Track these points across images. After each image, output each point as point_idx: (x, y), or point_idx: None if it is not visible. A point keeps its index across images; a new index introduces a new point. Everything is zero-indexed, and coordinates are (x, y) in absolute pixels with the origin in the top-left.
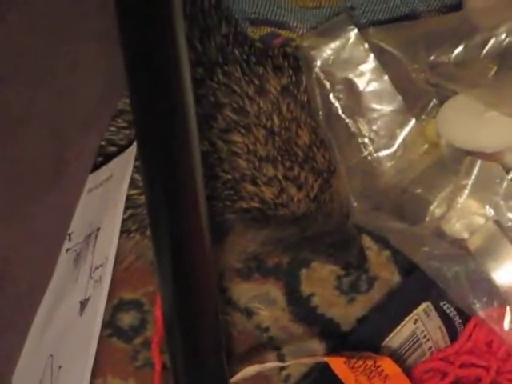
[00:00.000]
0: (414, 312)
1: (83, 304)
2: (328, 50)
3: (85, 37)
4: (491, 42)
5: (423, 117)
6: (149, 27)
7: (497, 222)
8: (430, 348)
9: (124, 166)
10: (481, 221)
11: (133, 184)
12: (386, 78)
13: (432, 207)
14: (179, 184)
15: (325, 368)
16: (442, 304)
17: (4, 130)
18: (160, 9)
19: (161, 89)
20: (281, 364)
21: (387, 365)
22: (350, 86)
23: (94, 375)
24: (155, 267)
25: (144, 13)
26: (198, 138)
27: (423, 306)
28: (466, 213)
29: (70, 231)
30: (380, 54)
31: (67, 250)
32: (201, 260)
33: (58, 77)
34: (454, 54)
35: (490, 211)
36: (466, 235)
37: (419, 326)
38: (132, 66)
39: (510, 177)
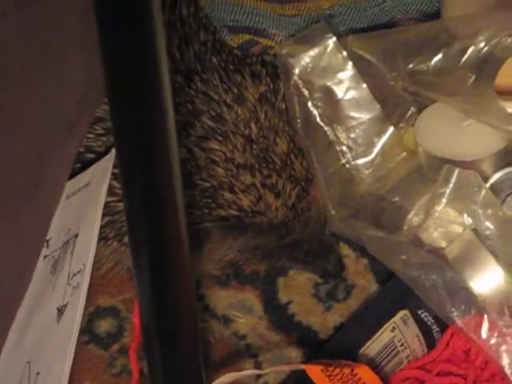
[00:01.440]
0: (392, 320)
1: (60, 310)
2: (306, 58)
3: (66, 43)
4: (470, 50)
5: (401, 125)
6: (128, 34)
7: (474, 231)
8: (408, 356)
9: (102, 172)
10: (459, 229)
11: (110, 191)
12: (365, 86)
13: (410, 215)
14: (158, 191)
15: (302, 376)
16: (419, 312)
17: None
18: (139, 17)
19: (139, 96)
20: (258, 372)
21: (364, 373)
22: (329, 93)
23: (71, 382)
24: (133, 274)
25: (123, 20)
26: (176, 145)
27: (401, 314)
28: (443, 221)
29: (47, 237)
30: (358, 62)
31: (45, 256)
32: (179, 267)
33: (39, 82)
34: (432, 63)
35: (467, 220)
36: (443, 244)
37: (397, 334)
38: (111, 72)
39: (487, 185)
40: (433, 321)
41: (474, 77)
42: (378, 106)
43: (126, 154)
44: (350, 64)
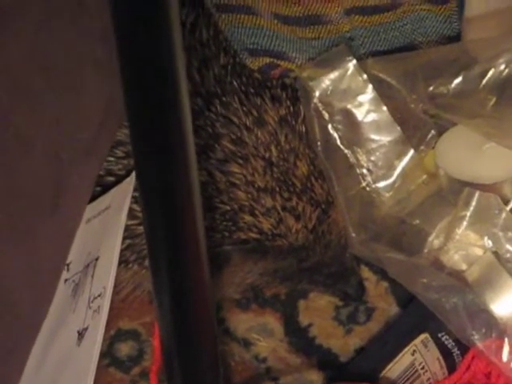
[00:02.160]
0: (412, 343)
1: (81, 334)
2: (326, 81)
3: (87, 64)
4: (490, 72)
5: (422, 148)
6: (148, 57)
7: (495, 254)
8: (429, 379)
9: (122, 196)
10: (479, 252)
11: (131, 214)
12: (385, 108)
13: (430, 238)
14: (178, 214)
15: None
16: (440, 335)
17: (5, 155)
18: (159, 40)
19: (160, 120)
20: None
21: None
22: (349, 116)
23: None
24: (153, 297)
25: (143, 43)
26: (196, 168)
27: (421, 337)
28: (464, 244)
29: (68, 261)
30: (378, 85)
31: (65, 280)
32: (199, 290)
33: (60, 104)
34: (452, 85)
35: (488, 242)
36: (464, 266)
37: (417, 358)
38: (131, 96)
39: (508, 208)
40: (453, 344)
41: (494, 99)
42: (399, 128)
43: (146, 178)
44: (370, 87)
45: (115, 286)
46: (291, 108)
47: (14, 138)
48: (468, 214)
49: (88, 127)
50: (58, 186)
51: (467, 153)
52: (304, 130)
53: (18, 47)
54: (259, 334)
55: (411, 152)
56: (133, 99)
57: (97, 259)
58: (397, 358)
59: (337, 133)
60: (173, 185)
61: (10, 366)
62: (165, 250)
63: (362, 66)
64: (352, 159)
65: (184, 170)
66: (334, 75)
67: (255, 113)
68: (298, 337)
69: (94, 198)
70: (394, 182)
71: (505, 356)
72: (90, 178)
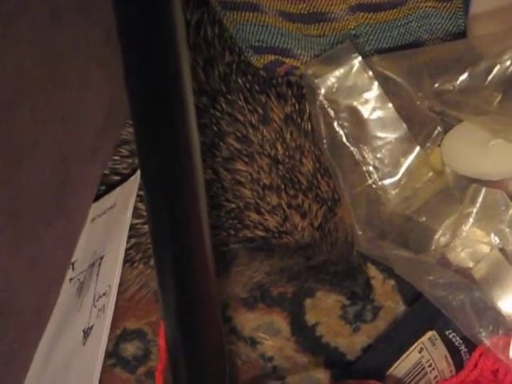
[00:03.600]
0: (420, 341)
1: (86, 333)
2: (332, 78)
3: (91, 63)
4: (496, 69)
5: (428, 145)
6: (152, 55)
7: (502, 250)
8: (436, 377)
9: (127, 194)
10: (486, 249)
11: (136, 213)
12: (391, 105)
13: (437, 236)
14: (183, 213)
15: None
16: (447, 333)
17: (10, 157)
18: (164, 39)
19: (164, 118)
20: None
21: None
22: (355, 113)
23: None
24: (159, 296)
25: (147, 42)
26: (201, 166)
27: (428, 334)
28: (471, 241)
29: (73, 260)
30: (384, 82)
31: (70, 279)
32: (205, 289)
33: (63, 105)
34: (458, 82)
35: (495, 239)
36: (471, 264)
37: (424, 355)
38: (134, 94)
39: None
40: (461, 341)
41: (500, 96)
42: (405, 125)
43: (151, 176)
44: (375, 84)
45: (121, 286)
46: (296, 105)
47: (18, 137)
48: (474, 210)
49: (92, 126)
50: (62, 186)
51: (473, 149)
52: (309, 127)
53: (21, 47)
54: (266, 333)
55: (417, 149)
56: (137, 98)
57: (102, 258)
58: (404, 356)
59: (343, 130)
60: (178, 183)
61: (15, 366)
62: (170, 248)
63: (367, 63)
64: (358, 156)
65: (189, 168)
66: (339, 72)
67: (260, 110)
68: (305, 336)
69: (98, 197)
70: (400, 179)
71: None
72: (94, 177)
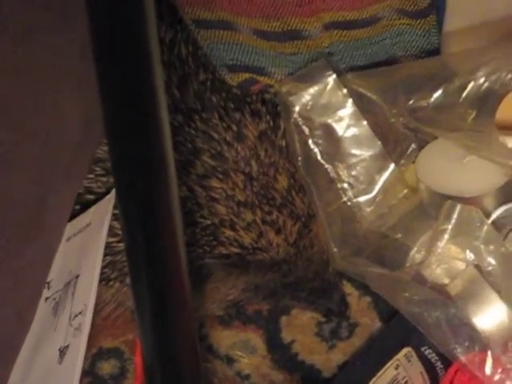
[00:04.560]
0: (395, 357)
1: (62, 352)
2: (306, 96)
3: (66, 81)
4: (470, 86)
5: (402, 161)
6: (127, 74)
7: (477, 267)
8: None
9: (102, 213)
10: (461, 265)
11: (111, 232)
12: (365, 123)
13: (412, 252)
14: (158, 230)
15: None
16: (423, 349)
17: None
18: (137, 56)
19: (139, 136)
20: None
21: None
22: (329, 131)
23: None
24: (135, 314)
25: (122, 60)
26: (176, 184)
27: (404, 351)
28: (446, 258)
29: (48, 279)
30: (359, 99)
31: (46, 298)
32: (181, 307)
33: (38, 123)
34: (432, 99)
35: (470, 256)
36: (446, 280)
37: (400, 372)
38: (110, 112)
39: (489, 221)
40: (436, 358)
41: (474, 112)
42: (379, 142)
43: (126, 194)
44: (350, 101)
45: (97, 304)
46: (271, 123)
47: None
48: (449, 227)
49: (68, 144)
50: (38, 206)
51: (448, 166)
52: (284, 144)
53: None
54: (242, 351)
55: (392, 166)
56: (112, 116)
57: (77, 277)
58: (380, 373)
59: (317, 147)
60: (153, 201)
61: None
62: (145, 266)
63: (341, 81)
64: (333, 174)
65: (164, 186)
66: (313, 90)
67: (235, 128)
68: (281, 353)
69: (73, 217)
70: (375, 196)
71: (488, 369)
72: (70, 197)
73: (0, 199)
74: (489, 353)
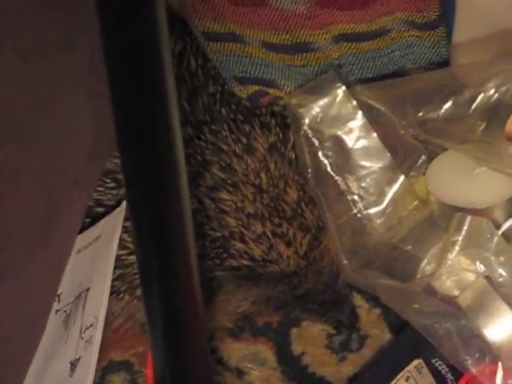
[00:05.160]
0: (406, 369)
1: (73, 365)
2: (316, 108)
3: (76, 94)
4: (479, 97)
5: (412, 173)
6: (139, 86)
7: (488, 278)
8: None
9: (113, 226)
10: (471, 277)
11: (121, 244)
12: (375, 135)
13: (422, 264)
14: (170, 243)
15: None
16: (433, 361)
17: None
18: (151, 70)
19: (152, 148)
20: None
21: None
22: (339, 143)
23: None
24: (147, 327)
25: (134, 71)
26: (188, 196)
27: (415, 363)
28: (456, 269)
29: (59, 292)
30: (368, 111)
31: (56, 311)
32: (193, 319)
33: (48, 135)
34: (442, 110)
35: (480, 267)
36: (456, 292)
37: None
38: (123, 126)
39: (500, 232)
40: (447, 369)
41: (484, 124)
42: (389, 154)
43: (138, 206)
44: (359, 113)
45: (107, 317)
46: (280, 135)
47: (3, 167)
48: (460, 238)
49: (78, 156)
50: (48, 218)
51: (458, 178)
52: (293, 156)
53: (7, 77)
54: (252, 363)
55: (402, 178)
56: (124, 129)
57: (88, 289)
58: None
59: (327, 159)
60: (165, 213)
61: None
62: (157, 278)
63: (351, 93)
64: (342, 186)
65: (176, 198)
66: (323, 102)
67: (244, 140)
68: (291, 365)
69: (83, 229)
70: (385, 208)
71: (499, 381)
72: (80, 209)
73: (8, 213)
74: (499, 364)
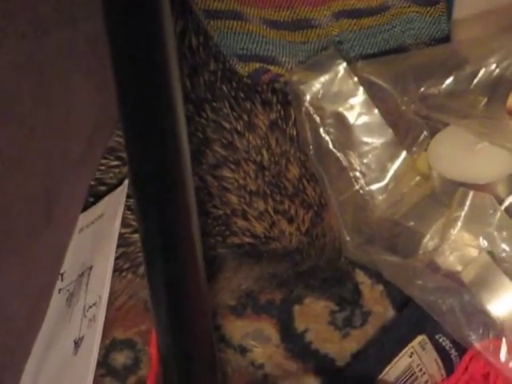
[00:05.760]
0: (410, 345)
1: (77, 343)
2: (317, 84)
3: (76, 73)
4: (481, 72)
5: (414, 149)
6: (142, 65)
7: (490, 254)
8: (427, 381)
9: (115, 204)
10: (474, 252)
11: (124, 222)
12: (376, 111)
13: (425, 240)
14: (173, 221)
15: None
16: (437, 337)
17: None
18: (153, 47)
19: (155, 125)
20: None
21: None
22: (340, 119)
23: None
24: (150, 304)
25: (137, 52)
26: (191, 173)
27: (418, 339)
28: (459, 245)
29: (62, 271)
30: (369, 88)
31: (60, 290)
32: (196, 297)
33: (47, 117)
34: (443, 86)
35: (483, 242)
36: (459, 267)
37: (415, 360)
38: (126, 104)
39: (502, 207)
40: (451, 345)
41: (485, 99)
42: (390, 130)
43: (141, 185)
44: (361, 89)
45: (110, 295)
46: (282, 112)
47: (4, 148)
48: (462, 214)
49: (80, 136)
50: (50, 198)
51: (460, 153)
52: (295, 133)
53: (4, 57)
54: (255, 341)
55: (404, 154)
56: (127, 107)
57: (91, 268)
58: (394, 361)
59: (328, 136)
60: (168, 190)
61: (7, 377)
62: (161, 256)
63: (352, 69)
64: (344, 162)
65: (179, 176)
66: (324, 78)
67: (246, 117)
68: (295, 342)
69: (85, 208)
70: (387, 184)
71: (503, 356)
72: (82, 188)
73: (10, 193)
74: (503, 339)
